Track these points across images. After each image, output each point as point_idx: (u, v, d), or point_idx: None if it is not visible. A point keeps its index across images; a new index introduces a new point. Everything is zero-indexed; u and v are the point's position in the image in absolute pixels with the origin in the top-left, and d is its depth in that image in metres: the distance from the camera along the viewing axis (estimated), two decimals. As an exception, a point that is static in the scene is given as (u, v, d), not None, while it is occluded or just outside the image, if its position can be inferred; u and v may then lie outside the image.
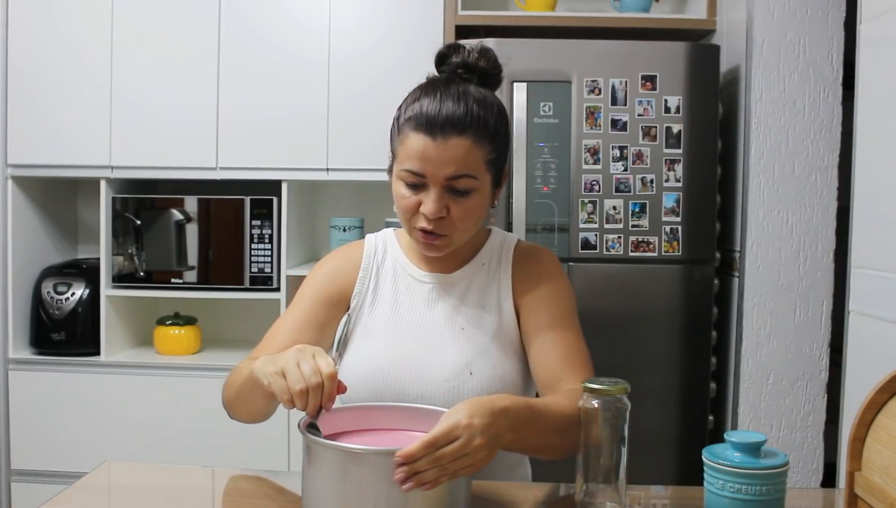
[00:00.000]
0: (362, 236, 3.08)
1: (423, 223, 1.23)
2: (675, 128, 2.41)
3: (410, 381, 1.26)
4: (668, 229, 2.42)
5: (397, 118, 1.26)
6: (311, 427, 1.02)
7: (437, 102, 1.21)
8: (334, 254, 1.42)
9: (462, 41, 1.33)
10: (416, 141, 1.20)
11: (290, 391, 1.01)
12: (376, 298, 1.35)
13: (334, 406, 1.06)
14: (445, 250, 1.28)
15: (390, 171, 1.30)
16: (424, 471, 0.94)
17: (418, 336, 1.30)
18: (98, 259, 2.74)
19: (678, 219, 2.42)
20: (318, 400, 1.01)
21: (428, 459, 0.93)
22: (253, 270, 2.70)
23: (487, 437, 0.98)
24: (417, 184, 1.22)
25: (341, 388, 1.04)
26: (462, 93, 1.23)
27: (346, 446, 0.98)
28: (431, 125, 1.19)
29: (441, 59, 1.31)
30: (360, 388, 1.27)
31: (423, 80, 1.30)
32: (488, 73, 1.30)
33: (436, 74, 1.31)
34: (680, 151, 2.41)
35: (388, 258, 1.39)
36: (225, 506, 1.19)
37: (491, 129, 1.23)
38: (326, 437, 1.03)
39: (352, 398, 1.27)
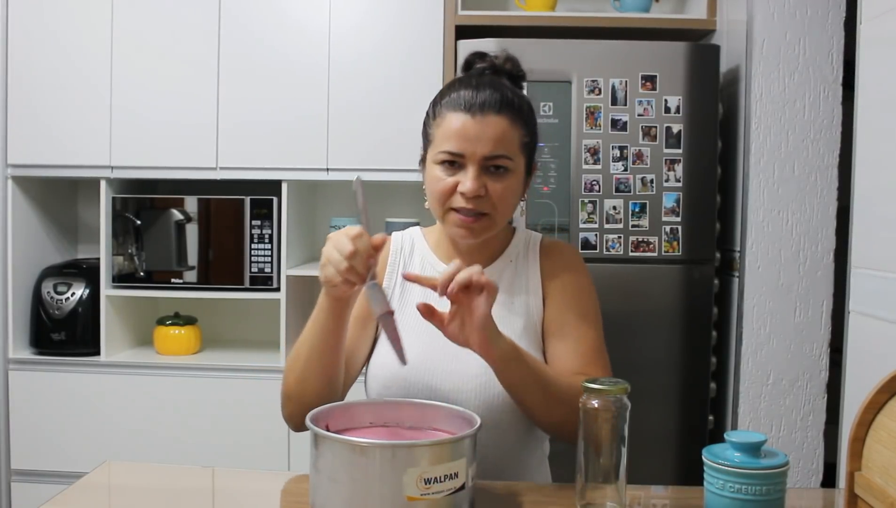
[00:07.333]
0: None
1: (461, 203, 1.25)
2: (675, 128, 2.41)
3: (440, 378, 1.28)
4: (668, 229, 2.42)
5: (433, 105, 1.31)
6: (319, 421, 1.04)
7: (473, 88, 1.26)
8: None
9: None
10: (454, 119, 1.25)
11: (340, 275, 1.07)
12: (404, 294, 1.36)
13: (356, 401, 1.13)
14: (482, 234, 1.29)
15: (423, 161, 1.33)
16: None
17: None
18: (98, 259, 2.73)
19: (678, 219, 2.42)
20: (363, 265, 1.07)
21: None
22: (253, 270, 2.70)
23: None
24: (455, 163, 1.25)
25: (376, 242, 1.09)
26: (496, 81, 1.29)
27: (352, 439, 0.99)
28: (470, 105, 1.24)
29: (467, 66, 1.37)
30: (392, 386, 1.28)
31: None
32: (514, 74, 1.36)
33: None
34: (680, 151, 2.41)
35: (415, 254, 1.40)
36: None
37: (525, 113, 1.29)
38: (337, 432, 1.05)
39: (384, 396, 1.28)
